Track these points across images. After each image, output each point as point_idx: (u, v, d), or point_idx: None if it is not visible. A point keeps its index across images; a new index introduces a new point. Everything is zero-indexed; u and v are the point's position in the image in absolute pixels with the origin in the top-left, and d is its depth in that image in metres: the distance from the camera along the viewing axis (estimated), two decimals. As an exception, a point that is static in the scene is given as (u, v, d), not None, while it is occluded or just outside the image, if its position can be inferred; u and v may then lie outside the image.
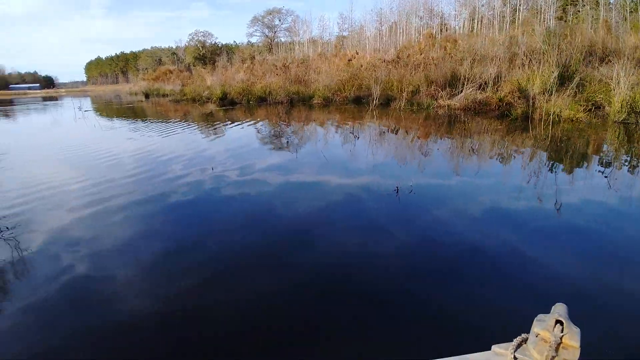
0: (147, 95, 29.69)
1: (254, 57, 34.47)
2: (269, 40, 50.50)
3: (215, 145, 8.13)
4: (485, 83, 12.40)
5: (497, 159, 6.21)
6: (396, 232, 3.32)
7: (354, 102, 15.77)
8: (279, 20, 49.59)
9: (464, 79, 12.66)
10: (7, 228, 3.67)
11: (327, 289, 2.48)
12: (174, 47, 76.57)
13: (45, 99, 44.46)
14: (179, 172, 5.74)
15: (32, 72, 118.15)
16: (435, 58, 14.79)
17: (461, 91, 12.64)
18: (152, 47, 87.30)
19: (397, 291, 2.45)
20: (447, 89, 13.18)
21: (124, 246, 3.23)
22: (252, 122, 11.89)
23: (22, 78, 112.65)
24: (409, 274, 2.62)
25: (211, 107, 18.49)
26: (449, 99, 12.78)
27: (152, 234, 3.50)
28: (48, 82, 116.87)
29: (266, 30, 51.29)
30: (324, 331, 2.09)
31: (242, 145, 7.97)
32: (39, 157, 7.85)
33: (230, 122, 12.25)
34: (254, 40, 53.84)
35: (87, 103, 28.14)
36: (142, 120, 14.43)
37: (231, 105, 18.46)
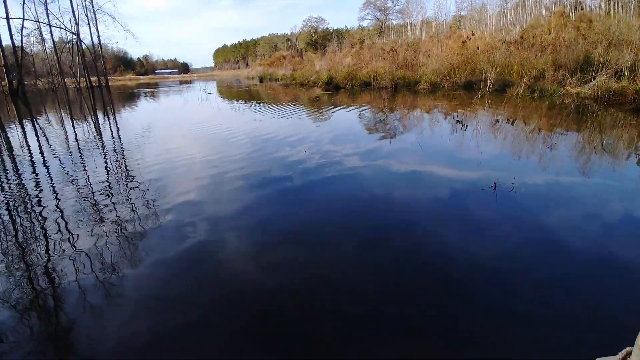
0: (261, 80, 31.78)
1: (363, 42, 34.12)
2: (380, 24, 49.38)
3: (317, 128, 8.23)
4: (621, 71, 10.23)
5: (631, 160, 5.02)
6: (483, 230, 2.87)
7: (464, 88, 14.49)
8: (392, 2, 48.01)
9: (598, 64, 10.61)
10: (148, 189, 4.40)
11: (406, 282, 2.23)
12: (289, 33, 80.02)
13: (181, 82, 50.86)
14: (284, 151, 6.01)
15: (173, 59, 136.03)
16: (567, 39, 12.61)
17: (594, 78, 10.62)
18: (269, 34, 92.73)
19: (491, 294, 2.10)
20: (578, 74, 11.20)
21: (231, 212, 3.61)
22: (354, 107, 11.77)
23: (166, 64, 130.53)
24: (500, 278, 2.21)
25: (317, 91, 18.91)
26: (578, 86, 10.85)
27: (254, 204, 3.79)
28: (184, 68, 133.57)
29: (378, 14, 50.20)
30: (416, 325, 1.86)
31: (342, 129, 7.91)
32: (172, 133, 9.06)
33: (333, 106, 12.32)
34: (364, 24, 53.29)
35: (211, 86, 31.28)
36: (255, 103, 15.43)
37: (335, 90, 18.60)
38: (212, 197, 4.09)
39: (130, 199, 4.10)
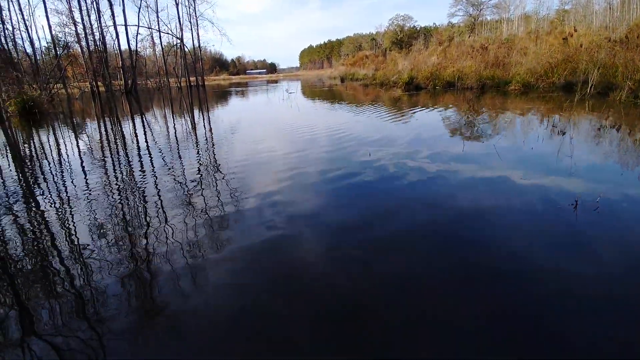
0: (342, 79, 32.16)
1: (451, 39, 32.65)
2: (472, 20, 46.71)
3: (395, 129, 8.16)
4: None
5: None
6: (548, 252, 2.61)
7: (562, 90, 13.11)
8: (488, -4, 45.12)
9: None
10: (233, 181, 4.80)
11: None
12: (374, 32, 79.53)
13: (268, 82, 53.66)
14: (360, 151, 6.05)
15: (262, 60, 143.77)
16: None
17: None
18: (354, 34, 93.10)
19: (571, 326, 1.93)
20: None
21: (307, 208, 3.75)
22: (435, 108, 11.37)
23: (255, 65, 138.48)
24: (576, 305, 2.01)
25: (397, 91, 18.63)
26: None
27: (329, 202, 3.91)
28: (272, 68, 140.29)
29: (470, 9, 47.57)
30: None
31: (419, 131, 7.73)
32: (256, 130, 9.66)
33: (413, 107, 12.07)
34: (455, 20, 50.85)
35: (294, 86, 32.53)
36: (335, 103, 15.75)
37: (416, 91, 18.13)
38: (289, 192, 4.29)
39: (217, 189, 4.49)
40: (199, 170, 5.52)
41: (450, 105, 11.95)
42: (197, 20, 37.00)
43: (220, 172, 5.34)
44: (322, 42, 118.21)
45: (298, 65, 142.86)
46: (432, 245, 2.89)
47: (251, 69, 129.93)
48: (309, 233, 3.19)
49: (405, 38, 61.13)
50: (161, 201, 4.18)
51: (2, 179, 5.70)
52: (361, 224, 3.33)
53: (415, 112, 10.74)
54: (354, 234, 3.14)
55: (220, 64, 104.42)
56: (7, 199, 4.64)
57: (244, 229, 3.34)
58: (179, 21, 35.17)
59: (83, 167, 6.14)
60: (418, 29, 64.49)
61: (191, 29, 37.17)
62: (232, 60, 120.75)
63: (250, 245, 3.01)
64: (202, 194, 4.33)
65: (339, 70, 40.45)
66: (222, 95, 27.09)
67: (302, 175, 4.99)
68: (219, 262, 2.76)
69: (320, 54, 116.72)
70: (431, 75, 18.77)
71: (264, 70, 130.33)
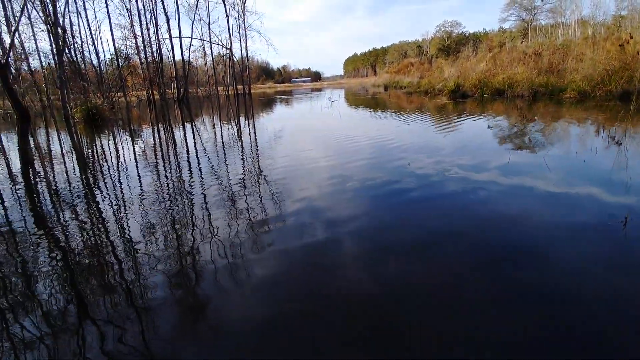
0: (386, 87, 31.94)
1: (502, 45, 31.48)
2: (525, 25, 44.80)
3: (439, 138, 7.99)
4: None
5: None
6: (594, 271, 2.42)
7: (619, 99, 12.21)
8: (542, 0, 43.07)
9: None
10: (275, 186, 4.91)
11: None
12: (420, 39, 78.40)
13: (312, 90, 54.43)
14: (402, 160, 5.99)
15: (307, 68, 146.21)
16: None
17: None
18: (400, 42, 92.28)
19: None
20: None
21: (347, 215, 3.73)
22: (482, 117, 10.98)
23: (300, 73, 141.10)
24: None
25: (442, 99, 18.23)
26: None
27: (369, 210, 3.87)
28: (316, 76, 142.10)
29: (523, 14, 45.64)
30: None
31: (464, 141, 7.49)
32: (298, 137, 9.87)
33: (459, 115, 11.75)
34: (506, 25, 48.99)
35: (337, 94, 32.68)
36: (378, 111, 15.69)
37: (462, 99, 17.62)
38: (328, 198, 4.34)
39: (260, 194, 4.64)
40: (243, 175, 5.72)
41: (500, 114, 11.51)
42: (245, 31, 38.47)
43: (263, 177, 5.50)
44: (366, 50, 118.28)
45: (342, 73, 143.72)
46: (470, 259, 2.79)
47: (296, 78, 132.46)
48: (346, 239, 3.20)
49: (452, 44, 59.73)
50: (206, 204, 4.38)
51: (68, 179, 6.24)
52: (398, 233, 3.29)
53: (461, 121, 10.45)
54: (390, 242, 3.11)
55: (266, 73, 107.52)
56: (71, 198, 5.08)
57: (283, 232, 3.42)
58: (229, 32, 36.69)
59: (138, 170, 6.58)
60: (467, 35, 62.74)
61: (240, 40, 38.65)
62: (278, 69, 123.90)
63: (289, 248, 3.07)
64: (245, 198, 4.49)
65: (382, 78, 40.26)
66: (267, 103, 27.85)
67: (342, 182, 5.02)
68: (259, 264, 2.84)
69: (365, 62, 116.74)
70: (479, 83, 18.18)
71: (309, 78, 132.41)
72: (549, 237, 3.06)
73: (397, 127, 10.23)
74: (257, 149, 8.03)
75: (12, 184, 6.13)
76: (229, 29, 38.11)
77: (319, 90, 51.42)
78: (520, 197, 4.06)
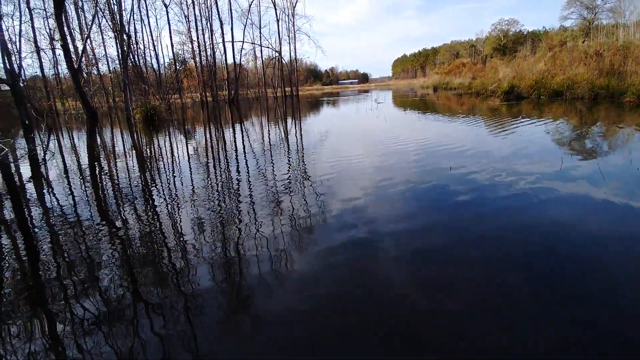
0: (435, 89, 31.11)
1: (563, 44, 29.55)
2: (587, 23, 41.78)
3: (490, 143, 7.67)
4: None
5: None
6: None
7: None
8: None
9: None
10: (319, 187, 4.98)
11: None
12: (474, 39, 75.53)
13: (359, 91, 54.19)
14: (450, 164, 5.84)
15: (354, 70, 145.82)
16: None
17: None
18: (451, 42, 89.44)
19: None
20: None
21: (390, 219, 3.69)
22: (539, 121, 10.38)
23: (348, 75, 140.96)
24: None
25: (494, 101, 17.46)
26: None
27: (415, 215, 3.81)
28: (364, 78, 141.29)
29: (585, 12, 42.55)
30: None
31: (517, 145, 7.12)
32: (343, 138, 9.93)
33: (513, 118, 11.17)
34: (567, 24, 45.90)
35: (383, 96, 32.26)
36: (426, 113, 15.36)
37: (516, 100, 16.75)
38: (370, 201, 4.33)
39: (304, 194, 4.73)
40: (288, 175, 5.86)
41: (557, 118, 10.82)
42: (294, 34, 39.20)
43: (308, 177, 5.60)
44: (416, 51, 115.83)
45: (390, 74, 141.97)
46: (513, 268, 2.67)
47: (343, 79, 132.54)
48: (386, 242, 3.19)
49: (509, 44, 56.89)
50: (252, 201, 4.54)
51: (128, 175, 6.75)
52: (440, 237, 3.23)
53: (515, 124, 9.92)
54: (431, 246, 3.06)
55: (314, 75, 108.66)
56: (130, 192, 5.49)
57: (325, 232, 3.47)
58: (279, 36, 37.63)
59: (190, 168, 6.96)
60: (525, 33, 59.48)
61: (289, 43, 39.36)
62: (326, 70, 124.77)
63: (330, 248, 3.12)
64: (289, 197, 4.60)
65: (432, 79, 39.24)
66: (314, 104, 28.17)
67: (385, 184, 4.98)
68: (300, 261, 2.91)
69: (414, 63, 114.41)
70: (536, 84, 17.19)
71: (356, 80, 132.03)
72: (599, 249, 2.86)
73: (446, 129, 9.96)
74: (303, 150, 8.18)
75: (81, 178, 6.74)
76: (278, 33, 39.02)
77: (366, 91, 51.13)
78: (570, 205, 3.81)
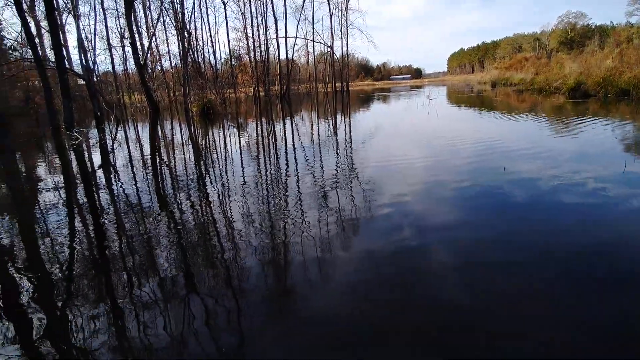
0: (493, 85, 29.57)
1: (630, 40, 26.88)
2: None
3: (554, 144, 7.14)
4: None
5: None
6: None
7: None
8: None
9: None
10: (366, 184, 4.97)
11: None
12: (538, 32, 70.78)
13: (412, 87, 52.88)
14: (501, 165, 5.58)
15: (407, 65, 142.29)
16: None
17: None
18: (513, 35, 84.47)
19: None
20: None
21: (438, 220, 3.61)
22: (606, 121, 9.56)
23: (400, 70, 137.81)
24: None
25: (558, 99, 16.28)
26: None
27: (463, 217, 3.66)
28: (417, 73, 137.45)
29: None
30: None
31: (582, 147, 6.61)
32: (392, 136, 9.82)
33: (580, 117, 10.35)
34: (633, 20, 41.58)
35: (437, 92, 31.15)
36: (482, 110, 14.70)
37: (582, 98, 15.46)
38: (417, 200, 4.25)
39: (351, 190, 4.73)
40: (336, 170, 5.89)
41: (626, 118, 9.89)
42: (347, 29, 39.02)
43: (355, 173, 5.60)
44: (474, 45, 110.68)
45: (445, 69, 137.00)
46: (569, 279, 2.49)
47: (396, 75, 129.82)
48: (433, 244, 3.12)
49: (577, 37, 52.66)
50: (300, 195, 4.63)
51: (185, 165, 7.17)
52: (490, 243, 3.08)
53: (581, 124, 9.17)
54: (482, 252, 2.94)
55: (365, 70, 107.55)
56: (186, 181, 5.84)
57: (371, 231, 3.47)
58: (331, 31, 37.54)
59: (241, 160, 7.24)
60: (592, 27, 54.73)
61: (341, 38, 39.21)
62: (378, 66, 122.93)
63: (375, 247, 3.10)
64: (336, 193, 4.63)
65: (490, 75, 37.29)
66: (364, 100, 27.96)
67: (434, 185, 4.85)
68: (344, 259, 2.93)
69: (472, 57, 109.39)
70: (603, 82, 15.80)
71: (408, 75, 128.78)
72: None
73: (502, 128, 9.48)
74: (351, 146, 8.19)
75: (143, 166, 7.27)
76: (331, 28, 38.96)
77: (419, 87, 49.78)
78: (630, 213, 3.51)
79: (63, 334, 2.18)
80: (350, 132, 10.81)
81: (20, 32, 15.70)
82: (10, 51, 18.83)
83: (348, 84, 43.18)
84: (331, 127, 12.41)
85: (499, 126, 9.83)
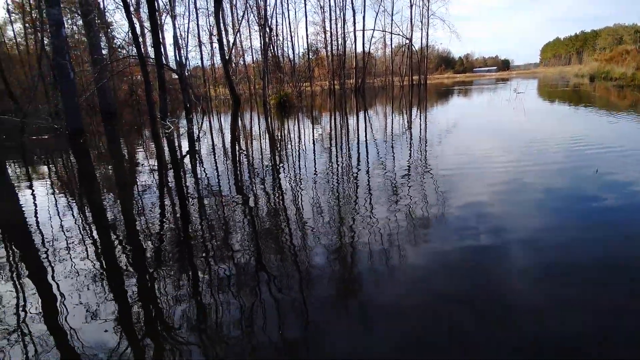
0: (592, 78, 26.40)
1: None
2: None
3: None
4: None
5: None
6: None
7: None
8: None
9: None
10: (440, 183, 4.83)
11: None
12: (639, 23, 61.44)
13: (497, 80, 49.21)
14: (593, 169, 5.03)
15: (493, 56, 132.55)
16: None
17: None
18: (614, 25, 74.41)
19: None
20: None
21: (522, 227, 3.35)
22: None
23: (485, 62, 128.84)
24: None
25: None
26: None
27: (544, 221, 3.42)
28: (504, 65, 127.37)
29: None
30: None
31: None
32: (472, 132, 9.32)
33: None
34: None
35: (526, 85, 28.56)
36: (578, 106, 13.28)
37: None
38: (496, 203, 3.98)
39: (423, 188, 4.59)
40: (408, 166, 5.76)
41: None
42: (428, 20, 37.52)
43: (429, 172, 5.41)
44: (572, 34, 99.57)
45: (537, 61, 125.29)
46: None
47: (480, 67, 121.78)
48: (510, 249, 2.91)
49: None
50: (370, 190, 4.62)
51: (261, 155, 7.56)
52: (574, 251, 2.80)
53: None
54: (564, 260, 2.67)
55: (446, 62, 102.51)
56: (262, 170, 6.17)
57: (443, 229, 3.34)
58: (411, 22, 36.30)
59: (314, 152, 7.43)
60: None
61: (421, 29, 37.79)
62: (460, 57, 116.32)
63: (447, 247, 2.99)
64: (407, 190, 4.54)
65: (589, 67, 33.28)
66: (443, 93, 26.76)
67: (515, 186, 4.52)
68: (413, 256, 2.87)
69: (568, 48, 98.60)
70: None
71: (494, 67, 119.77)
72: None
73: (599, 128, 8.47)
74: (425, 142, 7.93)
75: (224, 154, 7.83)
76: (411, 19, 37.70)
77: (505, 80, 46.10)
78: None
79: (151, 296, 2.47)
80: (425, 127, 10.45)
81: (127, 32, 17.66)
82: (119, 49, 21.28)
83: (426, 77, 41.62)
84: (406, 121, 12.12)
85: (595, 125, 8.79)
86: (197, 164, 6.94)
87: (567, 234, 3.13)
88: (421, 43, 39.53)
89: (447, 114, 14.13)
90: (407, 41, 37.35)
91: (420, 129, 10.04)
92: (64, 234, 3.65)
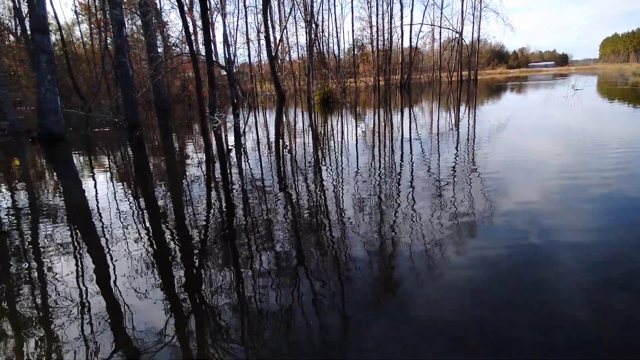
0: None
1: None
2: None
3: None
4: None
5: None
6: None
7: None
8: None
9: None
10: (488, 183, 4.64)
11: None
12: None
13: (555, 76, 46.29)
14: None
15: (551, 50, 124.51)
16: None
17: None
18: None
19: None
20: None
21: (576, 233, 3.19)
22: None
23: (542, 56, 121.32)
24: None
25: None
26: None
27: (595, 226, 3.23)
28: (562, 60, 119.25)
29: None
30: None
31: None
32: (525, 131, 8.87)
33: None
34: None
35: (584, 81, 26.51)
36: (636, 106, 12.23)
37: None
38: (549, 206, 3.77)
39: (469, 188, 4.42)
40: (454, 165, 5.58)
41: None
42: (480, 12, 35.90)
43: (476, 171, 5.21)
44: (632, 30, 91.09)
45: (597, 56, 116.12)
46: None
47: (536, 61, 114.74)
48: (561, 257, 2.74)
49: None
50: (413, 188, 4.53)
51: (304, 150, 7.65)
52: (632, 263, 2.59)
53: None
54: (620, 272, 2.47)
55: (499, 57, 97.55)
56: (304, 165, 6.24)
57: (489, 232, 3.22)
58: (461, 15, 34.88)
59: (357, 148, 7.40)
60: None
61: (472, 22, 36.20)
62: (514, 51, 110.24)
63: (492, 251, 2.87)
64: (452, 189, 4.40)
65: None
66: (495, 90, 25.52)
67: (570, 190, 4.25)
68: (456, 259, 2.78)
69: (627, 44, 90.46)
70: None
71: (551, 62, 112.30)
72: None
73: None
74: (473, 141, 7.63)
75: (268, 150, 8.01)
76: (462, 11, 36.19)
77: (564, 76, 43.17)
78: None
79: (195, 279, 2.58)
80: (474, 125, 10.04)
81: (181, 31, 18.50)
82: (173, 47, 22.37)
83: (477, 72, 39.94)
84: (453, 119, 11.72)
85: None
86: (242, 158, 7.16)
87: (623, 245, 2.90)
88: (472, 37, 37.93)
89: (499, 111, 13.50)
90: (457, 35, 36.00)
91: (469, 127, 9.65)
92: (120, 219, 3.92)
